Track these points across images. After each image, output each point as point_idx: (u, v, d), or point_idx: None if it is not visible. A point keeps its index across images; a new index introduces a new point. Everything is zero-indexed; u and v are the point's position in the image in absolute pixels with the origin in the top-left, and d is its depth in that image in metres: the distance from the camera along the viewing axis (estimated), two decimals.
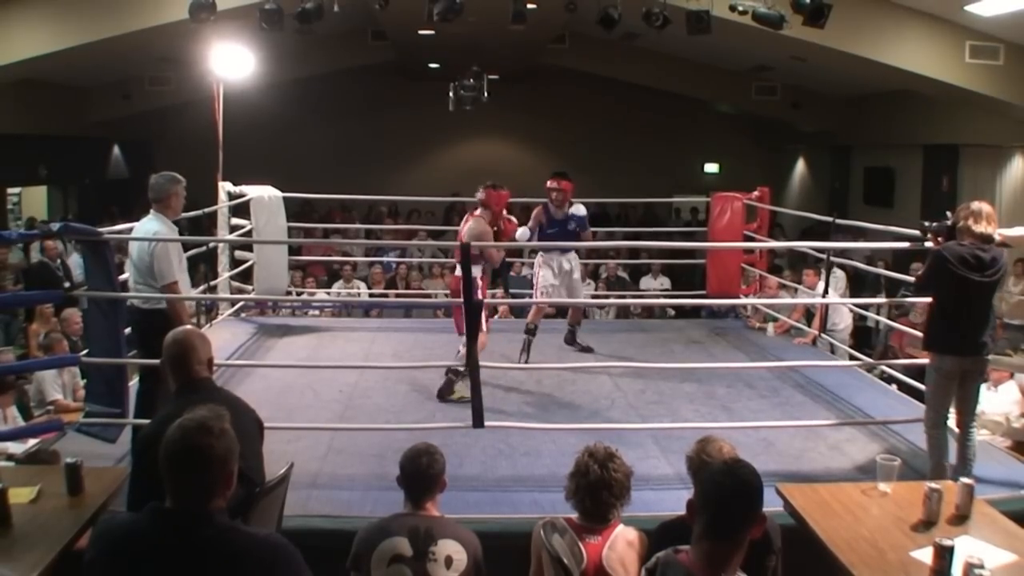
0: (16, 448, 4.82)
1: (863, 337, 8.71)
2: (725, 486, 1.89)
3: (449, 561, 2.70)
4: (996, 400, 5.71)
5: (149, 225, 4.33)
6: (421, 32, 10.93)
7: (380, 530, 2.76)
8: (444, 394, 5.23)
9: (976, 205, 3.93)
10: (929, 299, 4.13)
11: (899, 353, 7.00)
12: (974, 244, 3.85)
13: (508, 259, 9.28)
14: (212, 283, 6.99)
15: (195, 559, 1.91)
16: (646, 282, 9.89)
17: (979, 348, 3.93)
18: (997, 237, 4.03)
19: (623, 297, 8.91)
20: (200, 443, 1.97)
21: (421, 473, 2.83)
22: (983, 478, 3.78)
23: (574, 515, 2.82)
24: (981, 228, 3.86)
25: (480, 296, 5.42)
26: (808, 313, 7.33)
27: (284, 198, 7.33)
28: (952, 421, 4.06)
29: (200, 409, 2.06)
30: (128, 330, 4.38)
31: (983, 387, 4.58)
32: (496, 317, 8.05)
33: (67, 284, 8.14)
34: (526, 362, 5.86)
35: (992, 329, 3.99)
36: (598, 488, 2.76)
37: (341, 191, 9.65)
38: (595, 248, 10.75)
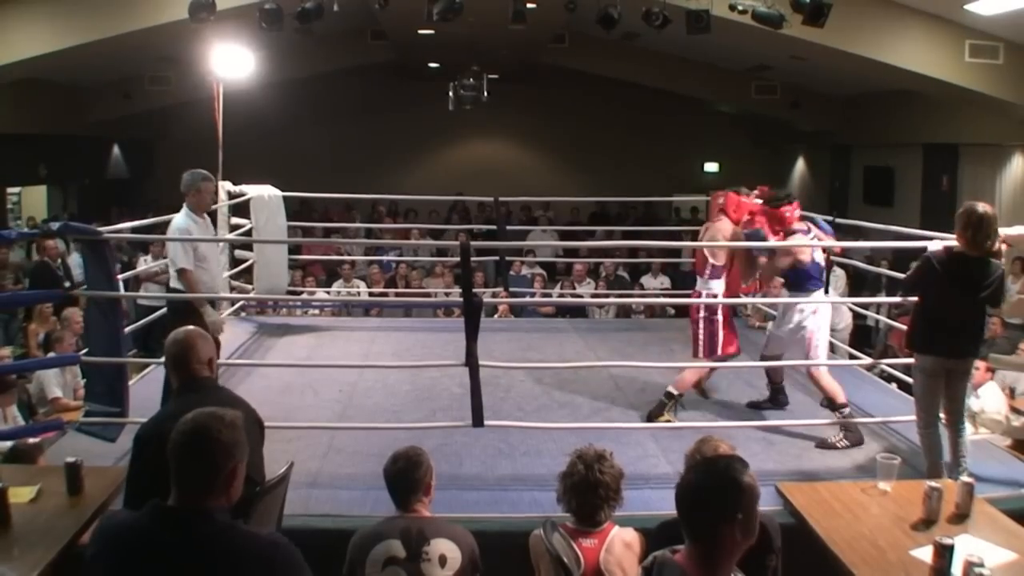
0: None
1: (863, 336, 8.71)
2: (689, 485, 1.86)
3: (443, 560, 2.69)
4: (977, 404, 5.53)
5: (175, 218, 4.79)
6: (421, 32, 10.94)
7: (372, 535, 2.76)
8: (653, 416, 4.81)
9: (978, 213, 3.76)
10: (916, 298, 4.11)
11: (899, 352, 6.99)
12: (967, 251, 3.79)
13: (508, 258, 9.27)
14: None
15: (196, 557, 1.92)
16: (646, 281, 9.88)
17: (963, 352, 3.91)
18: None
19: (623, 296, 8.91)
20: (208, 425, 2.00)
21: (401, 475, 2.83)
22: (983, 477, 3.78)
23: (570, 519, 2.82)
24: (980, 239, 3.74)
25: (718, 324, 4.91)
26: None
27: (284, 197, 7.33)
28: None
29: (215, 405, 2.10)
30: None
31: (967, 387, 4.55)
32: (496, 316, 8.05)
33: (67, 284, 8.15)
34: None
35: (980, 333, 3.96)
36: (583, 489, 2.76)
37: (341, 191, 9.65)
38: (596, 248, 10.76)
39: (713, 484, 1.83)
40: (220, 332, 4.85)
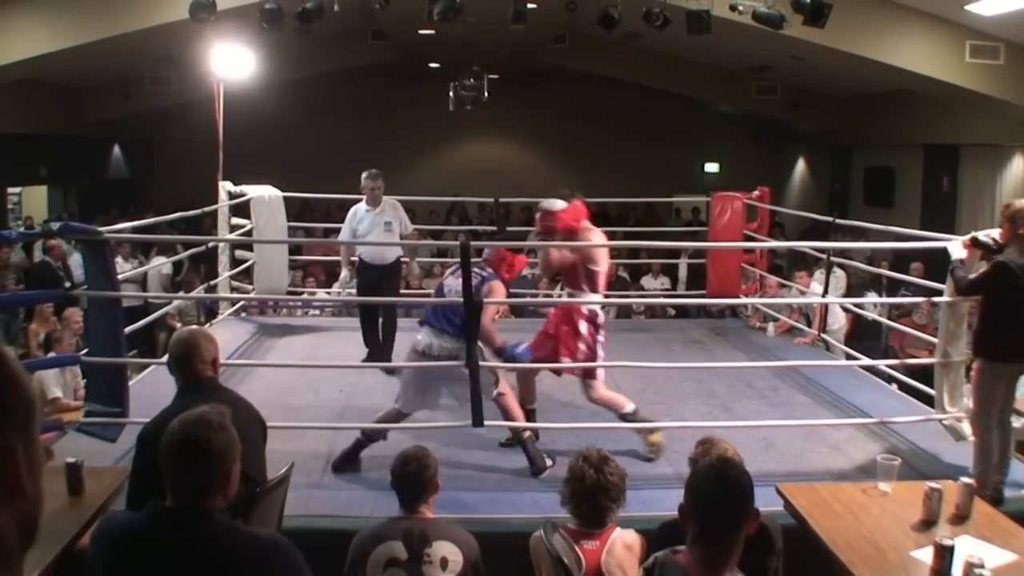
0: None
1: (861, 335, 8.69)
2: (711, 492, 1.88)
3: (444, 563, 2.69)
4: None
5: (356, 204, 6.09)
6: (421, 32, 10.93)
7: (374, 536, 2.76)
8: None
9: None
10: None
11: (899, 353, 6.99)
12: None
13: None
14: (212, 283, 7.00)
15: (195, 558, 1.91)
16: (647, 282, 9.87)
17: None
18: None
19: (623, 297, 8.89)
20: (197, 434, 1.98)
21: (411, 478, 2.83)
22: None
23: (571, 520, 2.81)
24: None
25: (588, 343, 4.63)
26: (805, 315, 7.33)
27: (284, 198, 7.33)
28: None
29: (204, 406, 2.08)
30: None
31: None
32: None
33: (68, 284, 8.14)
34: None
35: None
36: (594, 492, 2.74)
37: (341, 191, 9.62)
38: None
39: (736, 487, 1.88)
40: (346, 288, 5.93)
